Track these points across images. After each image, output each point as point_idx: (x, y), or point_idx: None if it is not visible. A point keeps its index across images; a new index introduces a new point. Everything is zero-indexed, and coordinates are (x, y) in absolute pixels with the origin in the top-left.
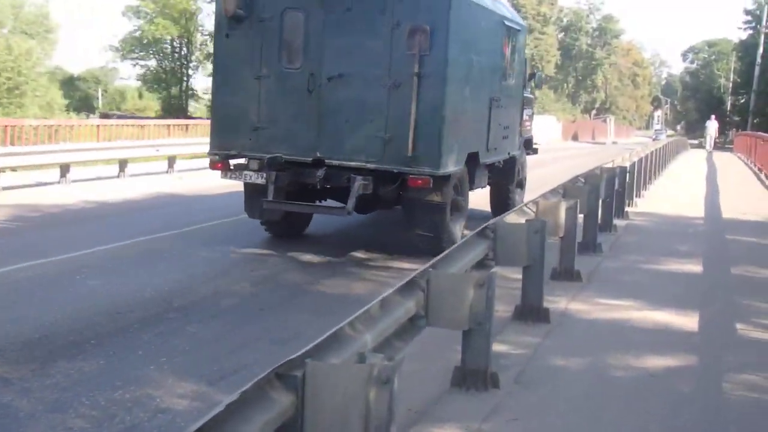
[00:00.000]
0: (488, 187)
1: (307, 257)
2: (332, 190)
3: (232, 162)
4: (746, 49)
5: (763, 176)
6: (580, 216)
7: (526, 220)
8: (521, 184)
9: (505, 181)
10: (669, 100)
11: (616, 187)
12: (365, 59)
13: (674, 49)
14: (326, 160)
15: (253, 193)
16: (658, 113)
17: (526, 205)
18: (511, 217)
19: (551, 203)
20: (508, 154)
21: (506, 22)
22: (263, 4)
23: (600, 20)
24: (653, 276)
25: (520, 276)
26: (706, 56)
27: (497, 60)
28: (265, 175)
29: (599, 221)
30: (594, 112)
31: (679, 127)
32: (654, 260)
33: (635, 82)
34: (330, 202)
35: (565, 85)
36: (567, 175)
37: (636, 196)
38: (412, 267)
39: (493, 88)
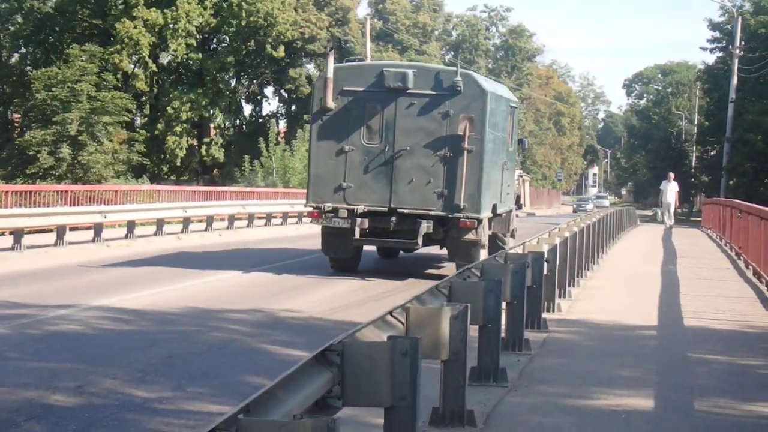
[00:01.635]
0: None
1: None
2: (400, 232)
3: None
4: (714, 78)
5: (741, 263)
6: (473, 328)
7: (389, 338)
8: (513, 234)
9: (503, 230)
10: (609, 152)
11: (529, 282)
12: (425, 138)
13: (614, 78)
14: (398, 209)
15: (329, 236)
16: (594, 171)
17: (392, 312)
18: (368, 332)
19: (428, 310)
20: (509, 207)
21: (510, 104)
22: (350, 99)
23: (505, 35)
24: (581, 417)
25: (381, 419)
26: (660, 88)
27: (505, 133)
28: (350, 220)
29: (503, 335)
30: None
31: (624, 191)
32: (583, 393)
33: (559, 125)
34: (403, 239)
35: None
36: (453, 266)
37: (559, 296)
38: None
39: (503, 155)
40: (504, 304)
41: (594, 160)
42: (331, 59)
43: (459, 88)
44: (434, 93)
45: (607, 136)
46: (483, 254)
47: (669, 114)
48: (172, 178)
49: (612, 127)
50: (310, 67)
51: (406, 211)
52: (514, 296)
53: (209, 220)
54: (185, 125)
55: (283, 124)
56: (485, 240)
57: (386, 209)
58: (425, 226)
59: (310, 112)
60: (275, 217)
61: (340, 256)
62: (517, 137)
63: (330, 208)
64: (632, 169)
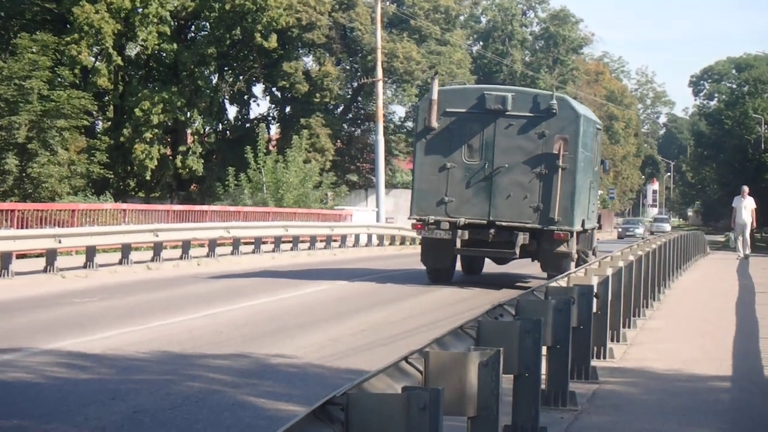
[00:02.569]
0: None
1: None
2: (498, 243)
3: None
4: None
5: None
6: (507, 377)
7: (404, 389)
8: (595, 252)
9: (587, 246)
10: (672, 164)
11: (575, 323)
12: (522, 156)
13: (678, 74)
14: (496, 222)
15: (429, 247)
16: (655, 187)
17: (407, 358)
18: (378, 382)
19: (452, 356)
20: (593, 225)
21: (596, 125)
22: (453, 119)
23: (546, 21)
24: None
25: None
26: (734, 86)
27: (592, 154)
28: (452, 232)
29: (543, 387)
30: None
31: (690, 212)
32: None
33: (611, 130)
34: (502, 249)
35: None
36: (484, 300)
37: (612, 340)
38: None
39: (590, 174)
40: (544, 349)
41: (654, 174)
42: (436, 82)
43: (554, 111)
44: (531, 115)
45: (669, 145)
46: (572, 267)
47: (745, 118)
48: (141, 195)
49: (676, 133)
50: (308, 61)
51: (504, 223)
52: (556, 339)
53: (186, 246)
54: (157, 131)
55: (275, 130)
56: (575, 253)
57: (485, 222)
58: (522, 238)
59: (414, 132)
60: (266, 242)
61: (438, 266)
62: (600, 158)
63: (433, 221)
64: (700, 185)
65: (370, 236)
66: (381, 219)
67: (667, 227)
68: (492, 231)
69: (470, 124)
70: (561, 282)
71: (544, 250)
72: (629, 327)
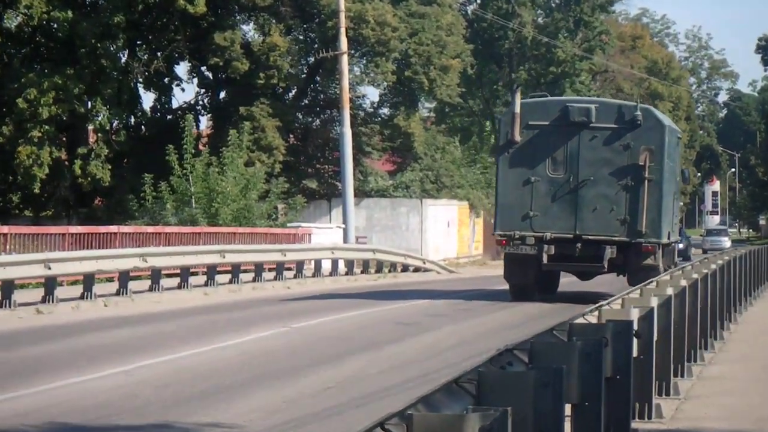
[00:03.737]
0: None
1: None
2: (585, 257)
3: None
4: None
5: None
6: None
7: None
8: (676, 265)
9: (669, 261)
10: (737, 156)
11: (609, 372)
12: (607, 168)
13: (742, 38)
14: (582, 236)
15: (513, 264)
16: (715, 187)
17: (384, 424)
18: None
19: (442, 420)
20: (676, 237)
21: (677, 135)
22: (536, 132)
23: None
24: None
25: None
26: None
27: (675, 164)
28: (537, 247)
29: None
30: None
31: (764, 220)
32: None
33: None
34: (589, 263)
35: (483, 123)
36: (497, 342)
37: (659, 393)
38: None
39: (674, 185)
40: (568, 408)
41: (713, 170)
42: (518, 95)
43: (639, 122)
44: (616, 126)
45: (733, 131)
46: None
47: None
48: (28, 213)
49: (741, 115)
50: (248, 30)
51: (591, 237)
52: (584, 395)
53: (88, 280)
54: (47, 128)
55: (206, 123)
56: (662, 266)
57: (572, 236)
58: (609, 251)
59: (495, 147)
60: (196, 273)
61: (522, 282)
62: (680, 168)
63: (518, 236)
64: None
65: (335, 262)
66: (350, 238)
67: (726, 242)
68: (579, 245)
69: (554, 137)
70: (590, 317)
71: (631, 263)
72: (682, 375)
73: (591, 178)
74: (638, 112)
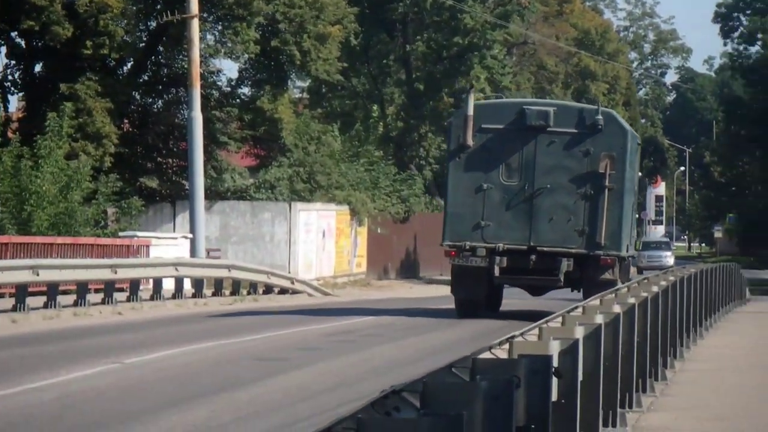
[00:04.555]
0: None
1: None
2: (540, 270)
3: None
4: None
5: None
6: None
7: None
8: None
9: (624, 277)
10: (687, 152)
11: (521, 420)
12: (565, 176)
13: (697, 4)
14: (537, 248)
15: (462, 276)
16: (660, 191)
17: None
18: None
19: None
20: (632, 251)
21: (637, 141)
22: (489, 136)
23: None
24: None
25: None
26: None
27: (635, 172)
28: (488, 259)
29: None
30: None
31: (718, 231)
32: None
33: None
34: (544, 276)
35: (370, 107)
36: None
37: None
38: None
39: (633, 195)
40: None
41: (658, 169)
42: (471, 97)
43: (600, 127)
44: (575, 131)
45: (683, 120)
46: None
47: None
48: None
49: (694, 101)
50: None
51: (546, 249)
52: None
53: None
54: None
55: (16, 104)
56: (619, 282)
57: (526, 247)
58: (566, 264)
59: (447, 151)
60: (2, 294)
61: (471, 297)
62: (638, 177)
63: (468, 247)
64: (735, 187)
65: (180, 281)
66: (199, 252)
67: (667, 258)
68: (533, 257)
69: (509, 142)
70: (499, 351)
71: (588, 277)
72: (614, 425)
73: (548, 185)
74: (599, 117)
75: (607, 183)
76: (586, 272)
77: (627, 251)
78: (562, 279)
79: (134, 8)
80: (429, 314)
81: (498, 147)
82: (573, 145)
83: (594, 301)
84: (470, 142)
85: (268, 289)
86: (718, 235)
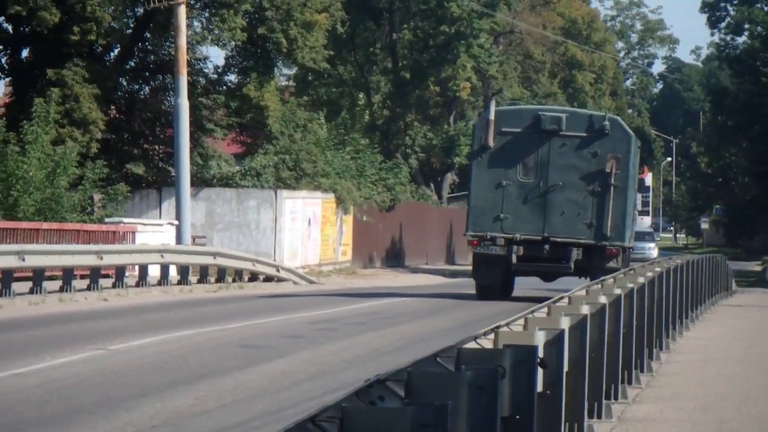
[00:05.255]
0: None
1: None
2: (553, 258)
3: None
4: None
5: None
6: None
7: None
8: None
9: (626, 267)
10: (674, 142)
11: (506, 411)
12: (575, 174)
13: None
14: (551, 238)
15: (482, 263)
16: (646, 181)
17: None
18: None
19: None
20: (633, 243)
21: (638, 144)
22: (508, 139)
23: None
24: None
25: None
26: None
27: (636, 172)
28: (507, 248)
29: None
30: (452, 177)
31: (705, 223)
32: None
33: (572, 85)
34: (556, 264)
35: (356, 95)
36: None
37: None
38: None
39: (634, 193)
40: None
41: (644, 158)
42: (493, 103)
43: (607, 131)
44: (585, 135)
45: (670, 110)
46: None
47: None
48: None
49: (681, 91)
50: None
51: (558, 239)
52: None
53: None
54: None
55: (3, 89)
56: (623, 269)
57: (540, 238)
58: (576, 253)
59: (470, 151)
60: None
61: (489, 282)
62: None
63: (489, 237)
64: (722, 178)
65: (165, 268)
66: (185, 239)
67: (651, 250)
68: (547, 247)
69: (525, 144)
70: (484, 341)
71: (595, 265)
72: (599, 416)
73: (560, 183)
74: (606, 122)
75: (612, 181)
76: (593, 261)
77: (629, 242)
78: (572, 266)
79: None
80: (414, 303)
81: (516, 148)
82: (582, 147)
83: (580, 291)
84: (491, 143)
85: (254, 277)
86: (704, 226)
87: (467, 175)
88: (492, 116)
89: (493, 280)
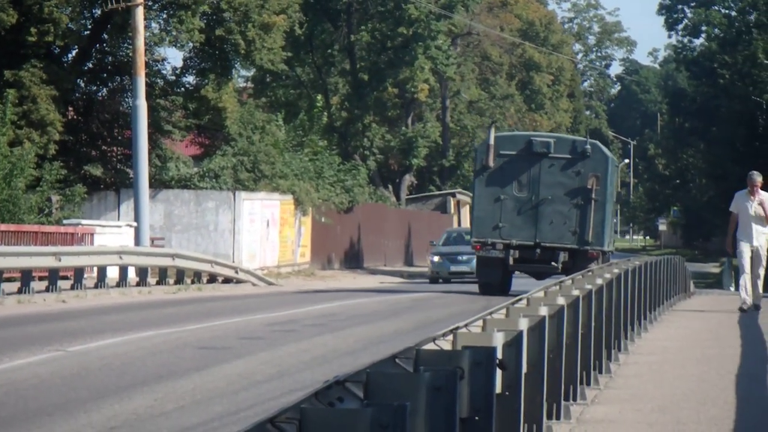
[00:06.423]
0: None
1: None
2: (543, 261)
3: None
4: None
5: None
6: None
7: None
8: None
9: None
10: (632, 144)
11: (465, 412)
12: (562, 190)
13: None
14: (541, 244)
15: (484, 265)
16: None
17: None
18: None
19: None
20: (612, 249)
21: (616, 164)
22: (505, 160)
23: None
24: None
25: None
26: (734, 13)
27: (614, 188)
28: (505, 252)
29: None
30: (411, 179)
31: (662, 224)
32: None
33: (530, 88)
34: (546, 265)
35: (314, 97)
36: (326, 372)
37: None
38: None
39: (613, 205)
40: None
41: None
42: (493, 130)
43: (588, 154)
44: (569, 157)
45: (627, 112)
46: None
47: (753, 66)
48: None
49: (638, 93)
50: None
51: (547, 244)
52: None
53: None
54: None
55: None
56: None
57: (532, 243)
58: (562, 256)
59: (474, 170)
60: None
61: (491, 280)
62: (616, 191)
63: (490, 242)
64: (679, 179)
65: (124, 270)
66: (143, 240)
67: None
68: (538, 251)
69: (520, 164)
70: (443, 342)
71: (579, 266)
72: (558, 418)
73: (549, 197)
74: (588, 146)
75: (593, 196)
76: (577, 262)
77: (608, 247)
78: (560, 267)
79: None
80: (372, 304)
81: (512, 168)
82: (568, 167)
83: (538, 294)
84: (491, 164)
85: (212, 278)
86: (662, 227)
87: (471, 190)
88: (492, 141)
89: (494, 279)
